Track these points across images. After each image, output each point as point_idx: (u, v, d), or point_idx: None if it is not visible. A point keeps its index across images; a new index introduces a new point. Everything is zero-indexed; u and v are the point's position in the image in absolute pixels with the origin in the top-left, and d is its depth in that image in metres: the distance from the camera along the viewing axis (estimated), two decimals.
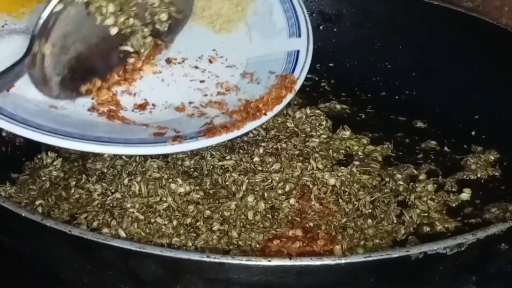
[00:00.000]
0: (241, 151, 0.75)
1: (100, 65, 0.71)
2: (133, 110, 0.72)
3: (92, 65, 0.71)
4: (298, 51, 0.78)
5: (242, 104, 0.72)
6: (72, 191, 0.70)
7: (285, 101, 0.73)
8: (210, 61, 0.79)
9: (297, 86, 0.75)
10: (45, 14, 0.66)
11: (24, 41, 0.68)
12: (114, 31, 0.70)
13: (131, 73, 0.74)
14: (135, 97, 0.73)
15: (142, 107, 0.72)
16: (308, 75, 0.92)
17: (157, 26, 0.74)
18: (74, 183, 0.71)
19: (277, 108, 0.72)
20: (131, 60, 0.73)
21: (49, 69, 0.67)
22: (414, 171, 0.76)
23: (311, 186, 0.71)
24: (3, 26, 0.75)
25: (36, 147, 0.75)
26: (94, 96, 0.71)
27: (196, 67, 0.78)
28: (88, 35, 0.69)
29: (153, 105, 0.73)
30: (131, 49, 0.72)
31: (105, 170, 0.72)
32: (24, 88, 0.67)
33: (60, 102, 0.69)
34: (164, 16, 0.74)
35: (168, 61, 0.78)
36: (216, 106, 0.73)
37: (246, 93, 0.74)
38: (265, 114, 0.71)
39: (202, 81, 0.77)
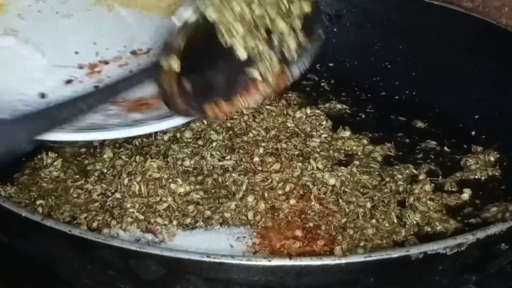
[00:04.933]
0: (241, 151, 0.75)
1: (225, 87, 0.68)
2: None
3: (218, 86, 0.68)
4: None
5: None
6: (72, 191, 0.70)
7: None
8: None
9: None
10: (173, 31, 0.66)
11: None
12: (243, 55, 0.65)
13: (253, 98, 0.68)
14: None
15: None
16: (308, 75, 0.93)
17: (285, 54, 0.68)
18: (74, 183, 0.71)
19: None
20: (260, 87, 0.67)
21: (175, 86, 0.66)
22: (414, 171, 0.76)
23: (311, 186, 0.71)
24: None
25: (36, 147, 0.75)
26: (217, 117, 0.69)
27: None
28: (214, 56, 0.67)
29: None
30: (259, 77, 0.67)
31: (105, 171, 0.72)
32: None
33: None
34: (292, 44, 0.68)
35: (134, 53, 0.77)
36: None
37: None
38: None
39: None
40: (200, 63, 0.67)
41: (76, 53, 0.77)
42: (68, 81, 0.74)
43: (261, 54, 0.66)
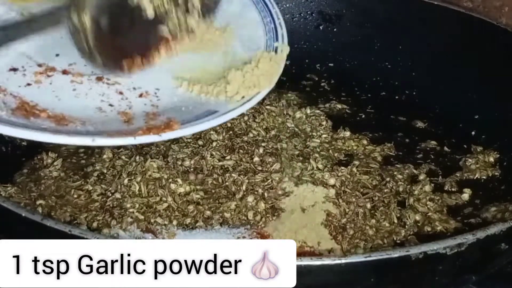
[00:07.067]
0: (241, 151, 0.75)
1: (139, 43, 0.71)
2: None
3: (131, 43, 0.71)
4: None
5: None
6: (72, 191, 0.70)
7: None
8: (140, 95, 0.70)
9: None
10: None
11: None
12: (150, 14, 0.69)
13: (166, 53, 0.73)
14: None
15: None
16: (308, 75, 0.93)
17: (189, 10, 0.72)
18: (74, 183, 0.71)
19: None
20: (171, 43, 0.72)
21: (91, 42, 0.67)
22: (414, 171, 0.76)
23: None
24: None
25: (36, 147, 0.75)
26: (134, 72, 0.71)
27: (121, 93, 0.70)
28: (126, 14, 0.69)
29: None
30: (167, 33, 0.72)
31: (104, 171, 0.72)
32: None
33: None
34: (196, 1, 0.72)
35: (99, 78, 0.71)
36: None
37: None
38: None
39: (121, 93, 0.71)
40: (112, 21, 0.68)
41: (57, 55, 0.72)
42: (13, 69, 0.69)
43: (168, 12, 0.70)
